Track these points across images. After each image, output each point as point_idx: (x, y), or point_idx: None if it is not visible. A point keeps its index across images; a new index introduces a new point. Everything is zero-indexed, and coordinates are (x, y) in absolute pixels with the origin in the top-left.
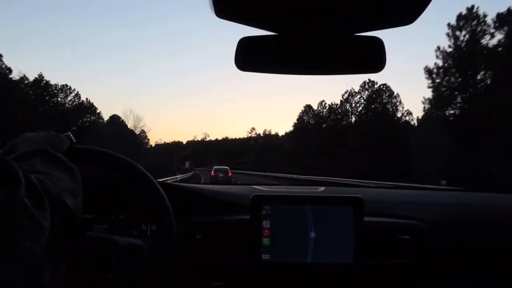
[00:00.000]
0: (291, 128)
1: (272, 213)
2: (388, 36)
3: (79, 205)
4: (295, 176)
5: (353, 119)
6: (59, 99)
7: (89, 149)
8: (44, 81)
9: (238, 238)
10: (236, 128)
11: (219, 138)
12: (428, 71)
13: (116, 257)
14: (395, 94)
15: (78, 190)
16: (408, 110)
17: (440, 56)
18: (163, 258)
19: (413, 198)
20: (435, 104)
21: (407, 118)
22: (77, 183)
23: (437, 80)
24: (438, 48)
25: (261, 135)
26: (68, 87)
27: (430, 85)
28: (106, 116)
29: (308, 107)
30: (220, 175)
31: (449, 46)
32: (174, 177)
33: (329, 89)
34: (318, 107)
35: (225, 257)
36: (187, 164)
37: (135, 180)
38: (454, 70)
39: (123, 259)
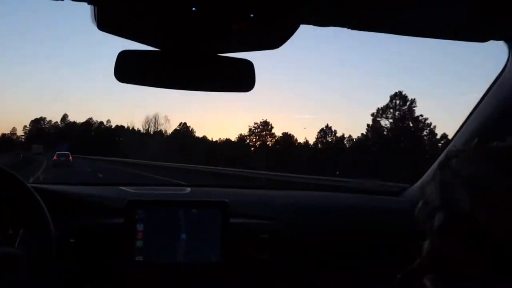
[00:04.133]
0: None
1: (146, 216)
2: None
3: None
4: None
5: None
6: None
7: None
8: None
9: (112, 241)
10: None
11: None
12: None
13: None
14: None
15: None
16: None
17: None
18: (41, 264)
19: (274, 199)
20: None
21: None
22: None
23: None
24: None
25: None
26: None
27: None
28: None
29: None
30: (62, 158)
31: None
32: None
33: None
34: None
35: (99, 259)
36: (34, 148)
37: (2, 184)
38: None
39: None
